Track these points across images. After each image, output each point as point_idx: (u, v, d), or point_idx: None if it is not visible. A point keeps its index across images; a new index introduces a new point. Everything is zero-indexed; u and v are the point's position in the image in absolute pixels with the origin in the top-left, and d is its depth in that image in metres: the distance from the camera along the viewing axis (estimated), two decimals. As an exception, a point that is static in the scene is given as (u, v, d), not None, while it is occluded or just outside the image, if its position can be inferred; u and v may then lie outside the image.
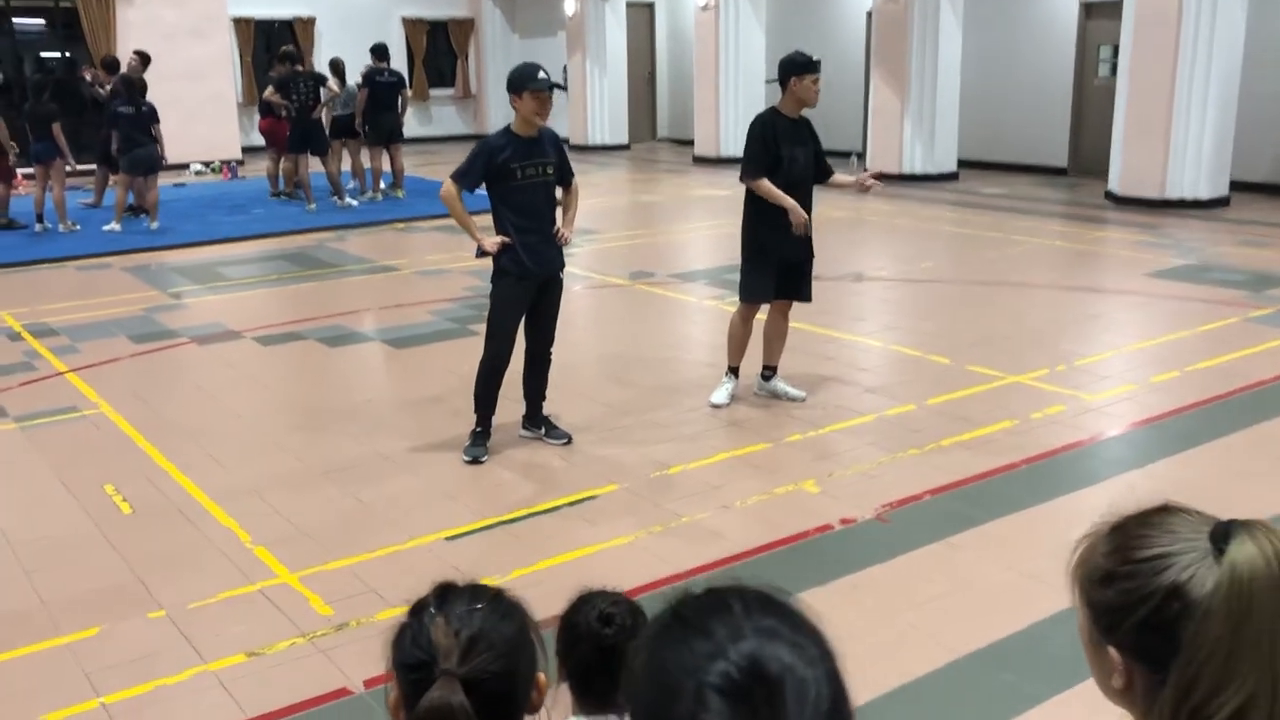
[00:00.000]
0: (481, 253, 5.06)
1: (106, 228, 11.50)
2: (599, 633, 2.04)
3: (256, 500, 4.76)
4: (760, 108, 17.24)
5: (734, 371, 5.91)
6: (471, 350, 6.77)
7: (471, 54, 22.80)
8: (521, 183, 4.95)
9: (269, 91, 12.91)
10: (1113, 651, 1.21)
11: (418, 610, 1.33)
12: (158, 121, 11.56)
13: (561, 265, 5.22)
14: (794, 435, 5.47)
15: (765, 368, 5.97)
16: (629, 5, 20.30)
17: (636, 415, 5.79)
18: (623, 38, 20.04)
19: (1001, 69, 15.69)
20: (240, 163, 17.79)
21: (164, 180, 16.18)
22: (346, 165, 13.74)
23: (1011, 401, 5.89)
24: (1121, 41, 12.43)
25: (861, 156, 15.83)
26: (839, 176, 5.91)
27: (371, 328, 7.72)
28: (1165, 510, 1.26)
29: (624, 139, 20.40)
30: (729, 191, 14.65)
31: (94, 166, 12.84)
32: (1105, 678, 1.24)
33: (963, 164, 15.48)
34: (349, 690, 3.33)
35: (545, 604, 3.83)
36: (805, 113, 5.69)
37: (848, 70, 17.22)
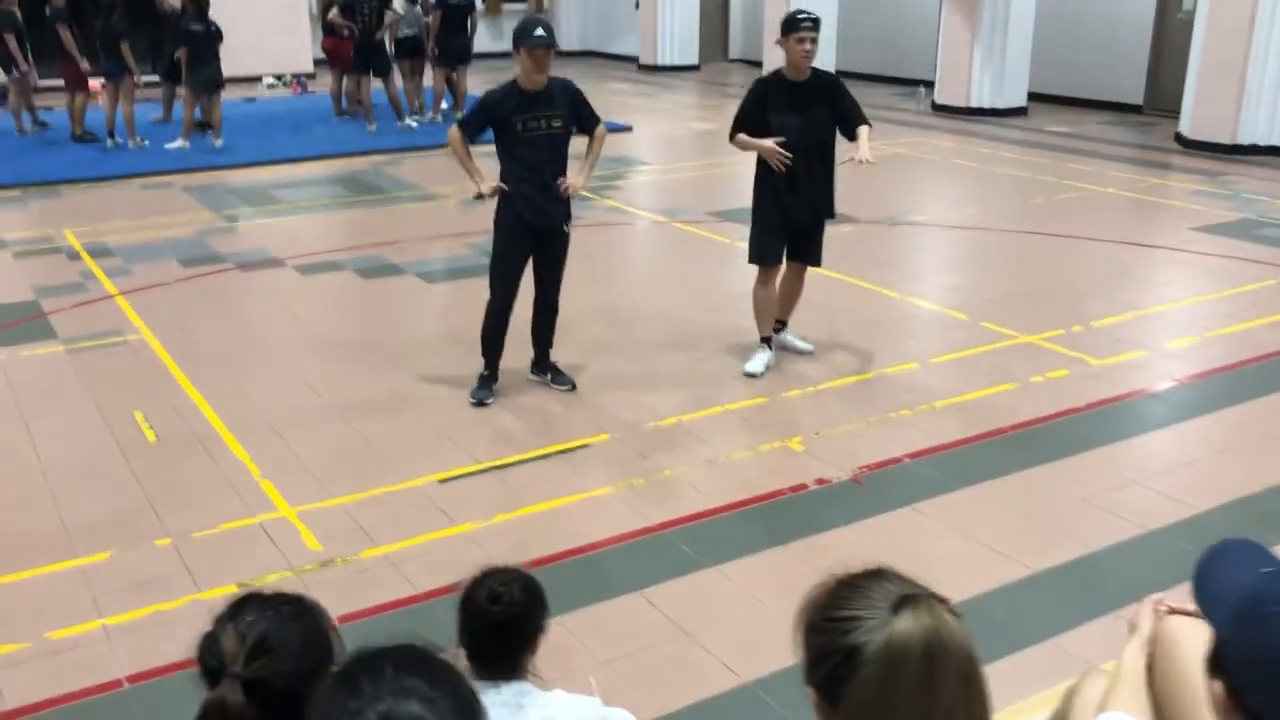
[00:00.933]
0: (479, 195, 5.22)
1: (171, 145, 11.87)
2: (486, 610, 2.25)
3: (271, 434, 5.07)
4: (830, 37, 16.87)
5: (766, 342, 5.83)
6: None
7: (546, -32, 22.65)
8: (523, 135, 5.08)
9: (333, 13, 13.09)
10: (811, 691, 1.39)
11: (216, 620, 1.54)
12: (221, 40, 11.83)
13: (563, 218, 5.34)
14: (793, 391, 5.61)
15: (776, 321, 5.96)
16: (704, -78, 19.97)
17: (644, 363, 5.97)
18: (696, -43, 19.76)
19: (1076, 2, 15.18)
20: (311, 76, 18.06)
21: (236, 94, 16.59)
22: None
23: (1017, 363, 5.93)
24: (1201, -24, 11.98)
25: (930, 87, 15.54)
26: (864, 132, 5.51)
27: (408, 259, 7.95)
28: (874, 575, 1.41)
29: (694, 60, 20.24)
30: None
31: (158, 79, 13.23)
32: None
33: (1035, 98, 15.12)
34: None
35: (516, 552, 4.07)
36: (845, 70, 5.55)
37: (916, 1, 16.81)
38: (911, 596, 1.33)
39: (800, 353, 6.00)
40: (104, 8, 11.74)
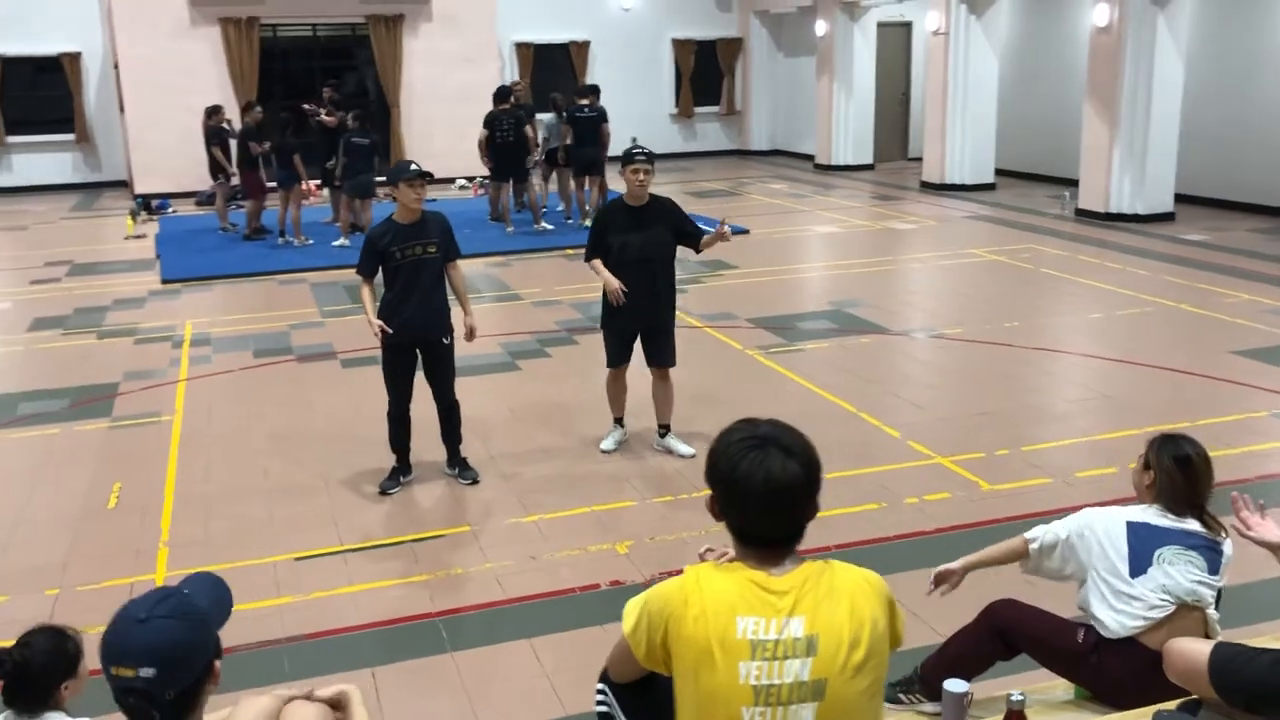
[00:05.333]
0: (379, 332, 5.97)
1: (335, 244, 13.51)
2: (2, 661, 2.96)
3: (201, 509, 5.99)
4: (989, 137, 16.95)
5: (618, 422, 6.71)
6: (498, 386, 7.92)
7: (738, 72, 23.61)
8: (402, 262, 5.86)
9: (481, 134, 14.55)
10: None
11: None
12: (377, 153, 13.45)
13: (442, 332, 6.04)
14: (666, 497, 6.01)
15: (658, 426, 6.61)
16: (882, 25, 20.35)
17: (559, 463, 6.53)
18: (871, 58, 20.14)
19: (1236, 101, 14.49)
20: (499, 177, 19.70)
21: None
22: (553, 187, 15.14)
23: (906, 483, 6.06)
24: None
25: (1074, 191, 15.18)
26: (707, 239, 6.34)
27: (440, 356, 8.84)
28: None
29: (868, 159, 20.51)
30: (916, 224, 14.65)
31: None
32: None
33: (1190, 200, 14.54)
34: (110, 670, 4.42)
35: (302, 625, 4.67)
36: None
37: (1076, 98, 16.45)
38: None
39: (680, 456, 6.45)
40: (280, 125, 13.63)
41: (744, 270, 12.00)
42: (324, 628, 4.70)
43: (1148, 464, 3.54)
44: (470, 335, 6.20)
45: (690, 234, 6.32)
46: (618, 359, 6.50)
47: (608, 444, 6.66)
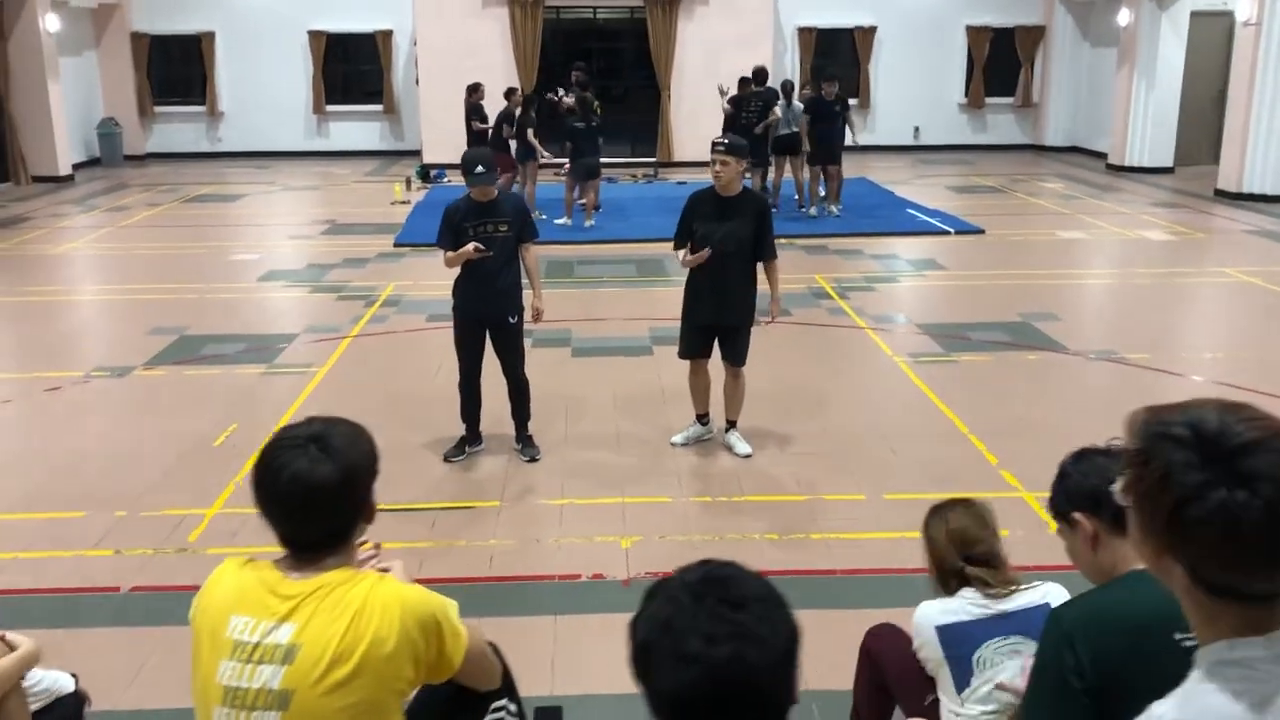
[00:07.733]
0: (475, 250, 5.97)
1: (558, 221, 13.97)
2: None
3: (286, 455, 6.44)
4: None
5: (700, 419, 6.52)
6: (619, 368, 8.04)
7: (1038, 62, 22.12)
8: (473, 238, 5.98)
9: (725, 108, 14.54)
10: None
11: None
12: (600, 137, 13.80)
13: (508, 311, 6.14)
14: (704, 498, 5.84)
15: (725, 421, 6.45)
16: (1197, 14, 18.37)
17: (622, 450, 6.48)
18: (1181, 50, 18.28)
19: None
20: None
21: (677, 175, 18.69)
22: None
23: (968, 515, 5.54)
24: None
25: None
26: (773, 266, 6.16)
27: (588, 334, 8.98)
28: None
29: (1167, 161, 18.66)
30: (1178, 236, 13.22)
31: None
32: None
33: None
34: (117, 589, 4.89)
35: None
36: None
37: None
38: None
39: (736, 454, 6.29)
40: (524, 103, 14.27)
41: (951, 272, 11.31)
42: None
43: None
44: (537, 317, 6.29)
45: (761, 244, 6.05)
46: (686, 350, 6.38)
47: (679, 438, 6.53)
